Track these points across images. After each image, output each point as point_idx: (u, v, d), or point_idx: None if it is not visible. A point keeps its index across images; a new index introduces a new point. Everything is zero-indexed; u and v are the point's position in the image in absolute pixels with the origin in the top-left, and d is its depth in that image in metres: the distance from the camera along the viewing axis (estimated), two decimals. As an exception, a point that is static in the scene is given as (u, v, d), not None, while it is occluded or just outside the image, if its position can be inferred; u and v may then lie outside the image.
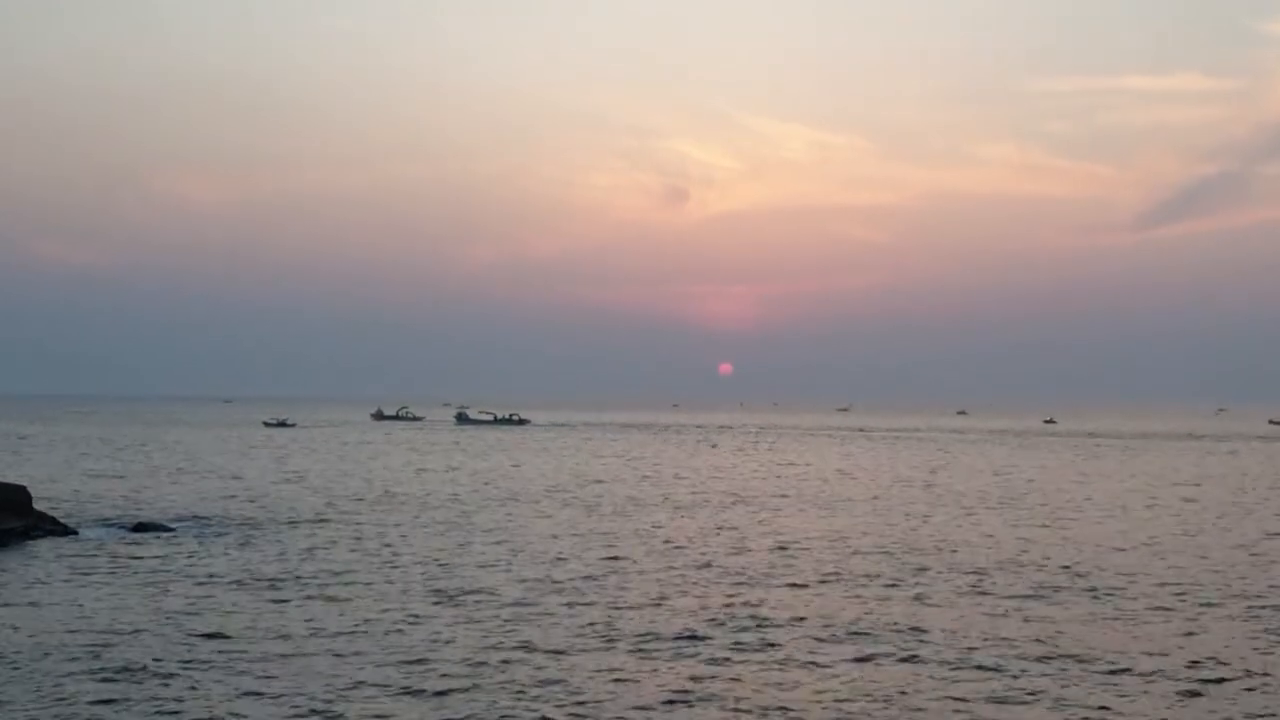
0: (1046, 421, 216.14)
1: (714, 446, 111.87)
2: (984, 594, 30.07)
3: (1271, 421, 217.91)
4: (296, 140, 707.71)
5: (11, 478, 56.87)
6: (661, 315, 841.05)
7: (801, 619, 26.69)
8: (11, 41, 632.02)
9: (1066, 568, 34.55)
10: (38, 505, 42.85)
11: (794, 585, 31.37)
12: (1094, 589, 30.87)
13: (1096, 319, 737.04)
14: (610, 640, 24.26)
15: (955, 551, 38.03)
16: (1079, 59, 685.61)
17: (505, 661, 22.37)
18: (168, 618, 26.33)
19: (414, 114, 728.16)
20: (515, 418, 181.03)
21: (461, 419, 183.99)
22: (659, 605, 28.24)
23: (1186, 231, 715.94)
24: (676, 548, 38.76)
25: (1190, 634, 25.34)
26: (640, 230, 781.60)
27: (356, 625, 25.62)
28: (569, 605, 28.03)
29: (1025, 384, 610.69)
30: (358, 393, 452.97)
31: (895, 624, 26.03)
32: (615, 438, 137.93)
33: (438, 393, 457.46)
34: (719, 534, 42.69)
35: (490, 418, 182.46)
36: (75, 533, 41.09)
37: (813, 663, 22.47)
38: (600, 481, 67.66)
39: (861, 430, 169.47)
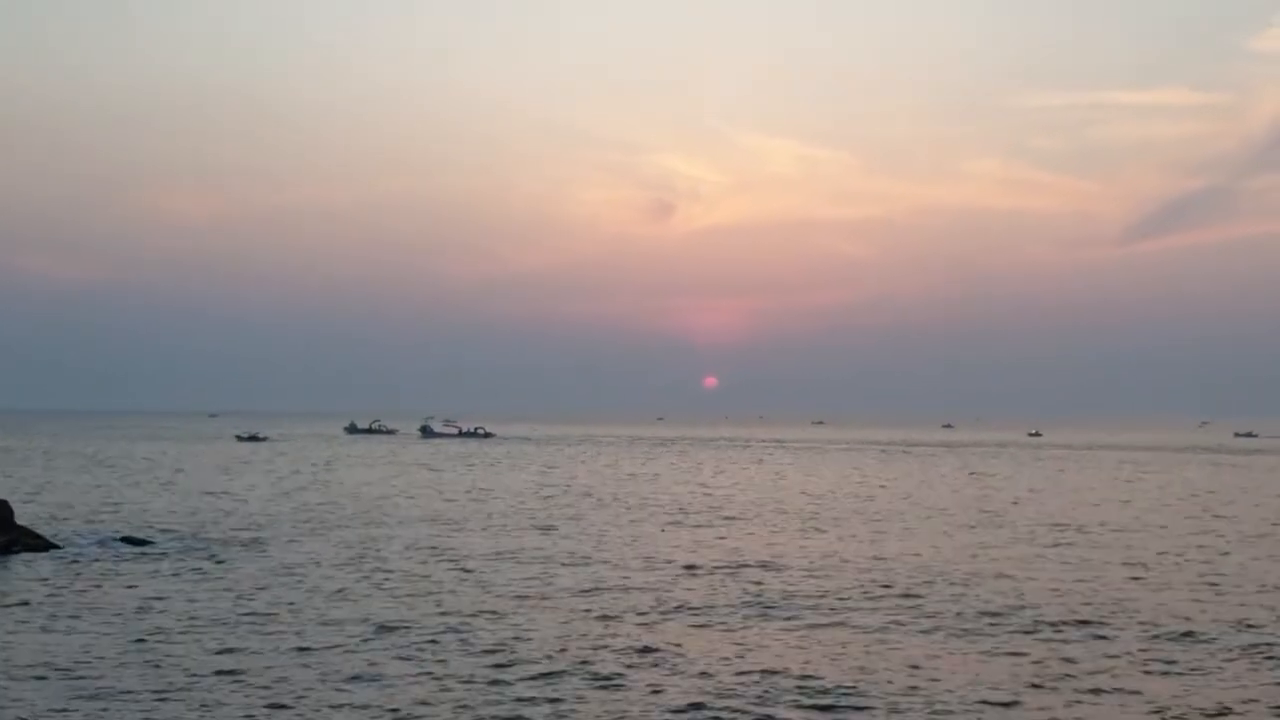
0: (1032, 434, 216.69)
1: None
2: (973, 628, 29.84)
3: (1237, 434, 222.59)
4: (281, 155, 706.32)
5: (-7, 491, 56.51)
6: (647, 329, 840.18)
7: (780, 660, 26.45)
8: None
9: (1067, 603, 34.33)
10: (19, 520, 42.50)
11: (764, 619, 31.11)
12: (1087, 621, 30.58)
13: (1083, 332, 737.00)
14: (588, 665, 24.07)
15: (927, 571, 37.90)
16: (1065, 74, 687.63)
17: (483, 690, 22.14)
18: (147, 638, 26.01)
19: (398, 129, 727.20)
20: (481, 431, 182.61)
21: (426, 432, 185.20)
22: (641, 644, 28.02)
23: (1172, 246, 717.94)
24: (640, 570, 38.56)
25: (1199, 672, 25.17)
26: (626, 244, 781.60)
27: (333, 646, 25.34)
28: (557, 624, 27.86)
29: (1013, 397, 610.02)
30: (344, 407, 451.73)
31: (887, 667, 25.57)
32: (596, 452, 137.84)
33: (424, 407, 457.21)
34: (678, 552, 42.48)
35: (455, 431, 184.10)
36: (57, 547, 40.70)
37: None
38: (561, 493, 67.52)
39: (847, 444, 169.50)
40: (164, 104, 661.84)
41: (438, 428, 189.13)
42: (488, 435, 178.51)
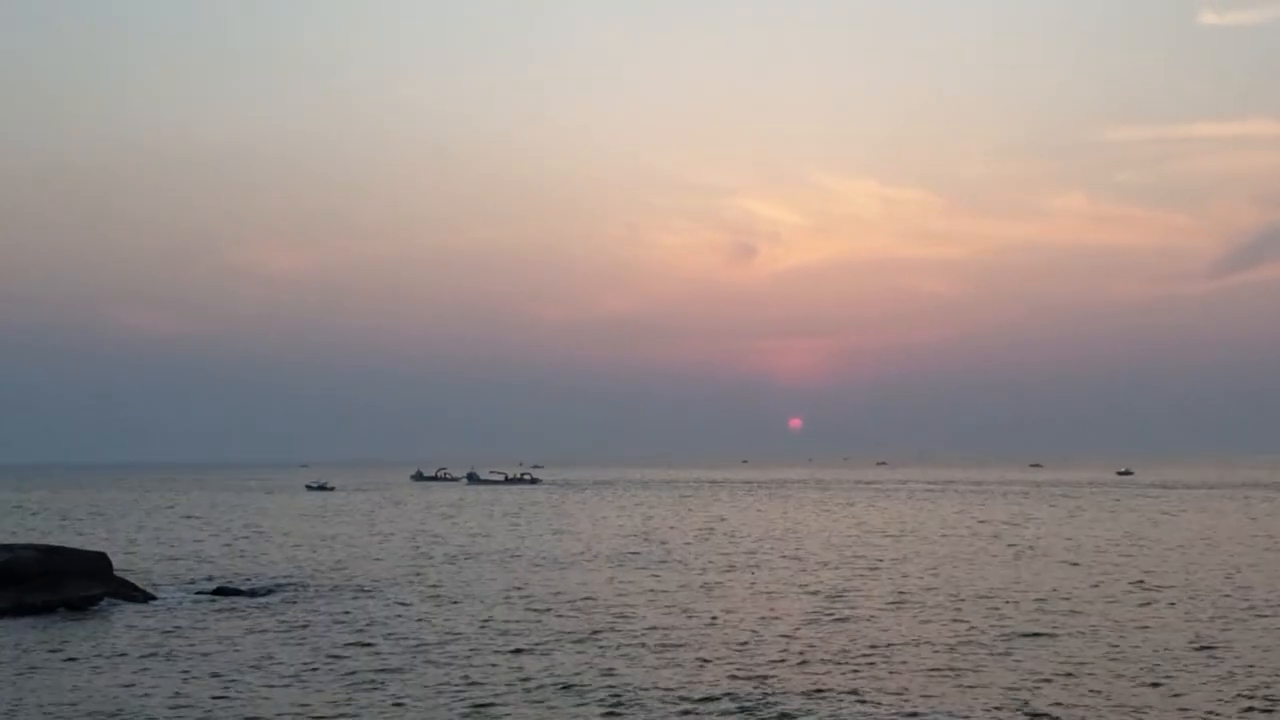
0: (1121, 473, 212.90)
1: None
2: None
3: None
4: (370, 206, 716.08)
5: (92, 545, 58.18)
6: (730, 371, 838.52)
7: None
8: (94, 113, 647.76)
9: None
10: (117, 571, 43.84)
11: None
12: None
13: (1174, 368, 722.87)
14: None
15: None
16: (1149, 108, 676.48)
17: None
18: (235, 687, 26.83)
19: (484, 177, 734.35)
20: (527, 477, 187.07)
21: (473, 479, 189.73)
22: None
23: (1263, 278, 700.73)
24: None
25: None
26: (708, 287, 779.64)
27: (429, 703, 25.96)
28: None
29: (1102, 435, 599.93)
30: (429, 452, 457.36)
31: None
32: (685, 495, 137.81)
33: (507, 451, 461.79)
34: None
35: (501, 477, 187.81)
36: (154, 599, 41.96)
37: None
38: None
39: (944, 483, 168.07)
40: (260, 158, 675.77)
41: (484, 475, 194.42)
42: (534, 481, 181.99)
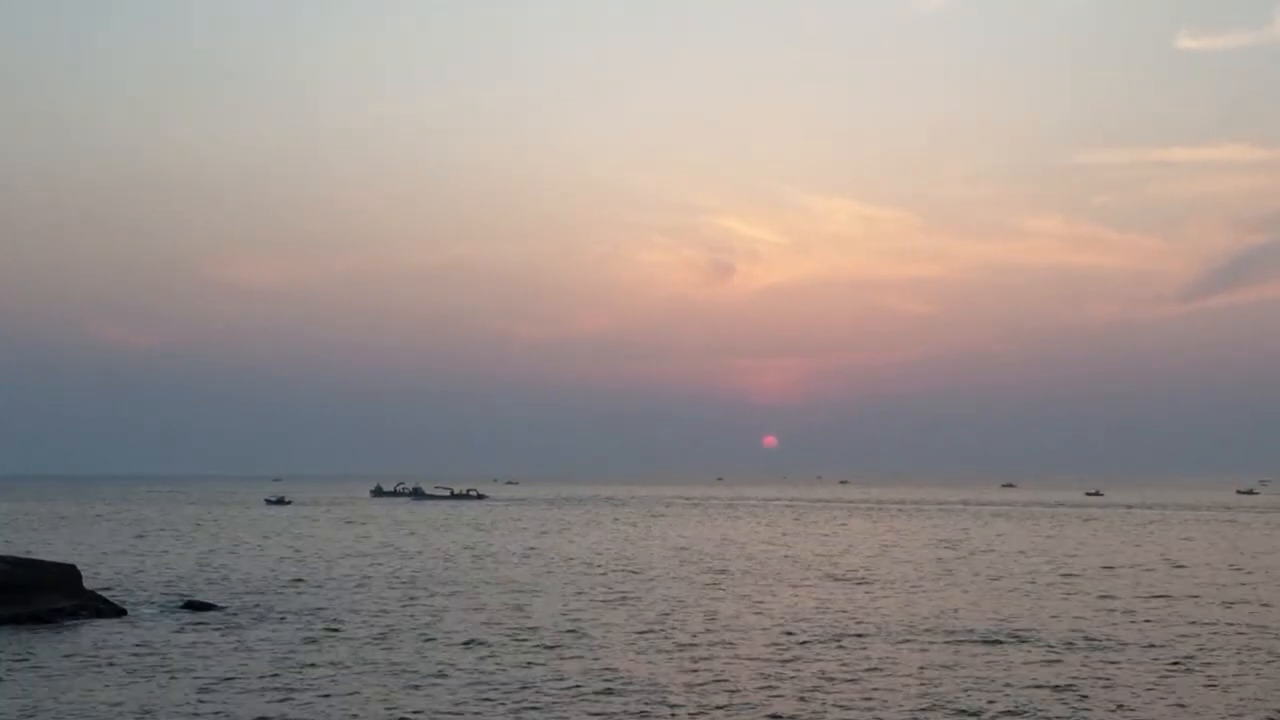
0: (1090, 494, 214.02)
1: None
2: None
3: (1238, 491, 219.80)
4: (348, 221, 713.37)
5: (62, 557, 58.02)
6: (706, 389, 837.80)
7: None
8: (73, 126, 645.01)
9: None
10: (88, 584, 43.70)
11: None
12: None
13: (1146, 389, 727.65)
14: None
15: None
16: (1126, 131, 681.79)
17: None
18: (209, 701, 26.84)
19: (463, 194, 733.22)
20: (473, 493, 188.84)
21: (418, 495, 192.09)
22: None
23: (1236, 301, 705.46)
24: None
25: None
26: (686, 305, 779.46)
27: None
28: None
29: (1076, 456, 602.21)
30: (404, 468, 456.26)
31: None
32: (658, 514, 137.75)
33: (481, 468, 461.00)
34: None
35: (447, 493, 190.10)
36: (124, 612, 41.85)
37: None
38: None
39: (914, 504, 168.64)
40: (238, 172, 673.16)
41: (429, 490, 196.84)
42: (480, 497, 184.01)
